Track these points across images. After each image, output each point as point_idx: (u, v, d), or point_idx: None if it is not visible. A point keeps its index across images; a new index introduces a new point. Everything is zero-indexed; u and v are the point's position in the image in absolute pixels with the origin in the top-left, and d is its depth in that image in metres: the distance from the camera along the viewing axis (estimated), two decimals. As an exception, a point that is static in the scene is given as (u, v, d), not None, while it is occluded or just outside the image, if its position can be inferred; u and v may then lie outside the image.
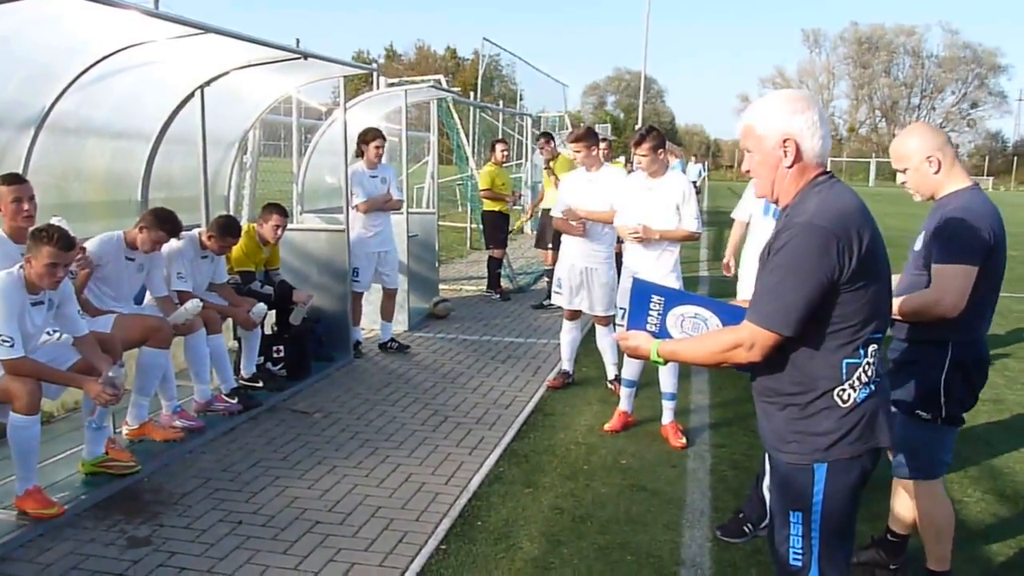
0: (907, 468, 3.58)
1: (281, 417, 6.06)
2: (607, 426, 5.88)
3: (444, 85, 15.10)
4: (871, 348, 2.40)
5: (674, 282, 5.51)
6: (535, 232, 12.28)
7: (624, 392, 5.93)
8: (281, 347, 6.84)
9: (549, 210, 10.19)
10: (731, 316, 2.57)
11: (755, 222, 6.24)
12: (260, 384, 6.47)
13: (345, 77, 7.64)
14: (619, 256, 6.26)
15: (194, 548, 4.06)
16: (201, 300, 5.64)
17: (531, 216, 11.00)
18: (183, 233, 5.60)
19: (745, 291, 6.25)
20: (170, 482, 4.85)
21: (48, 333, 4.61)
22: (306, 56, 6.38)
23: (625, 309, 2.90)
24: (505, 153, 11.43)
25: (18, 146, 5.53)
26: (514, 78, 24.67)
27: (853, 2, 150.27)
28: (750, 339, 2.39)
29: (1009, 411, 6.38)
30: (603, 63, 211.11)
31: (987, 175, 69.07)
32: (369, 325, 8.50)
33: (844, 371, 2.38)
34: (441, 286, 10.78)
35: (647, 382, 6.07)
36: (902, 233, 18.80)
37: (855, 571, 3.89)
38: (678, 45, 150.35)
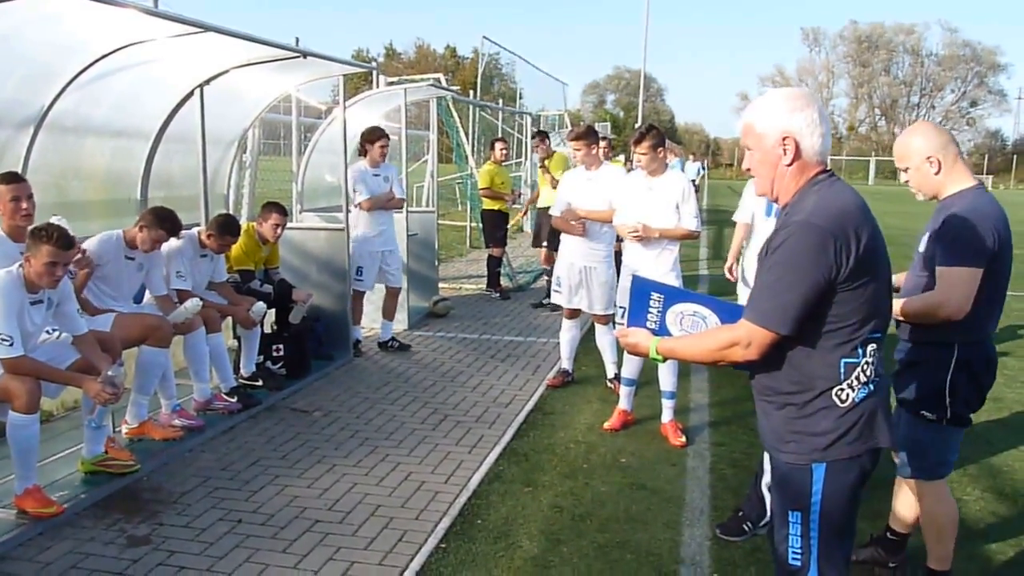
0: (912, 468, 3.57)
1: (280, 416, 6.06)
2: (607, 424, 5.88)
3: (444, 84, 15.07)
4: (870, 347, 2.39)
5: (673, 280, 5.51)
6: (533, 231, 12.29)
7: (624, 391, 5.93)
8: (281, 346, 6.84)
9: (545, 208, 10.22)
10: (730, 314, 2.57)
11: (758, 223, 6.25)
12: (259, 383, 6.47)
13: (345, 76, 7.63)
14: (618, 255, 6.26)
15: (193, 547, 4.06)
16: (200, 299, 5.64)
17: (525, 214, 11.00)
18: (182, 232, 5.60)
19: (746, 294, 6.26)
20: (169, 481, 4.85)
21: (47, 332, 4.62)
22: (305, 55, 6.38)
23: (625, 307, 2.90)
24: (504, 152, 11.43)
25: (17, 145, 5.53)
26: (514, 77, 24.68)
27: (852, 1, 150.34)
28: (747, 337, 2.39)
29: (1008, 409, 6.38)
30: (603, 62, 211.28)
31: (986, 174, 69.00)
32: (369, 324, 8.50)
33: (842, 370, 2.38)
34: (441, 285, 10.78)
35: (647, 381, 6.07)
36: (902, 232, 18.80)
37: (854, 569, 3.89)
38: (678, 43, 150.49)
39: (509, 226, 10.91)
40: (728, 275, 6.59)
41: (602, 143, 9.95)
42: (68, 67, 5.53)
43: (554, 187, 9.97)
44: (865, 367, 2.39)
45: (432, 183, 12.20)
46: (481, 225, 11.70)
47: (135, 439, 5.28)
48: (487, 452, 5.38)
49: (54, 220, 4.34)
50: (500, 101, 20.40)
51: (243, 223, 6.66)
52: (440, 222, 12.27)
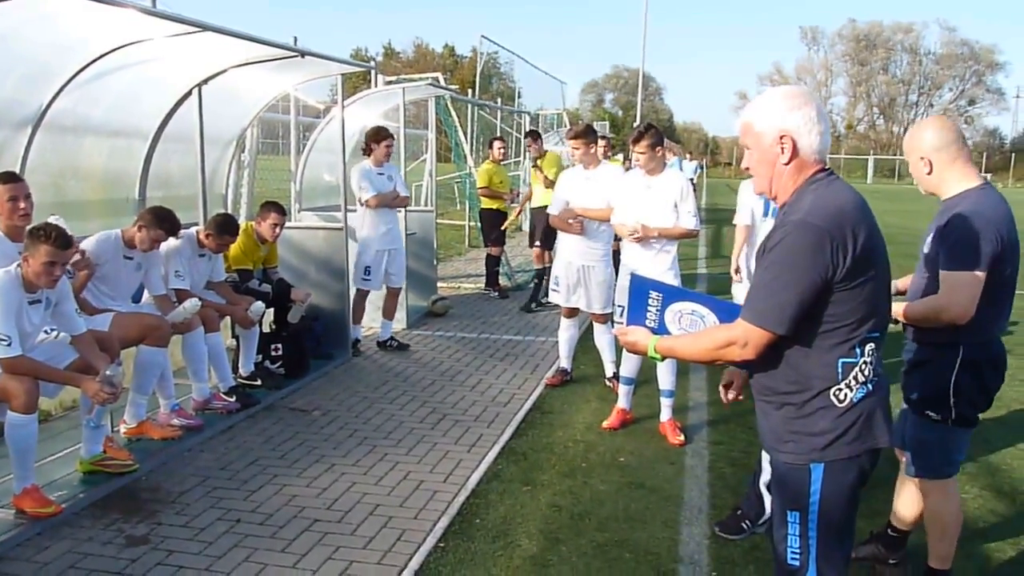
0: (918, 467, 3.57)
1: (279, 415, 6.06)
2: (605, 423, 5.88)
3: (442, 83, 15.07)
4: (868, 347, 2.39)
5: (672, 279, 5.51)
6: (529, 230, 12.28)
7: (622, 389, 5.93)
8: (279, 345, 6.84)
9: (538, 208, 10.21)
10: (728, 313, 2.56)
11: (757, 223, 6.26)
12: (258, 382, 6.47)
13: (343, 75, 7.63)
14: (616, 254, 6.26)
15: (192, 546, 4.06)
16: (199, 299, 5.64)
17: (519, 214, 10.99)
18: (181, 231, 5.60)
19: (743, 293, 6.26)
20: (168, 481, 4.85)
21: (46, 332, 4.61)
22: (304, 54, 6.37)
23: (623, 307, 2.90)
24: (503, 151, 11.43)
25: (15, 144, 5.52)
26: (512, 76, 24.68)
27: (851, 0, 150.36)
28: (744, 337, 2.39)
29: (1006, 407, 6.38)
30: (601, 61, 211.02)
31: (985, 172, 68.86)
32: (368, 323, 8.50)
33: (840, 370, 2.38)
34: (439, 284, 10.78)
35: (645, 379, 6.08)
36: (900, 230, 18.77)
37: (854, 566, 3.89)
38: (676, 42, 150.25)
39: (504, 226, 10.89)
40: (734, 276, 6.56)
41: (601, 142, 9.97)
42: (66, 67, 5.53)
43: (547, 186, 9.99)
44: (863, 367, 2.39)
45: (431, 182, 12.21)
46: (480, 224, 11.70)
47: (133, 439, 5.28)
48: (486, 451, 5.38)
49: (52, 220, 4.34)
50: (499, 100, 20.38)
51: (241, 222, 6.66)
52: (439, 221, 12.26)
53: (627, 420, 5.92)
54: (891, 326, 3.44)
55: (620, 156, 14.74)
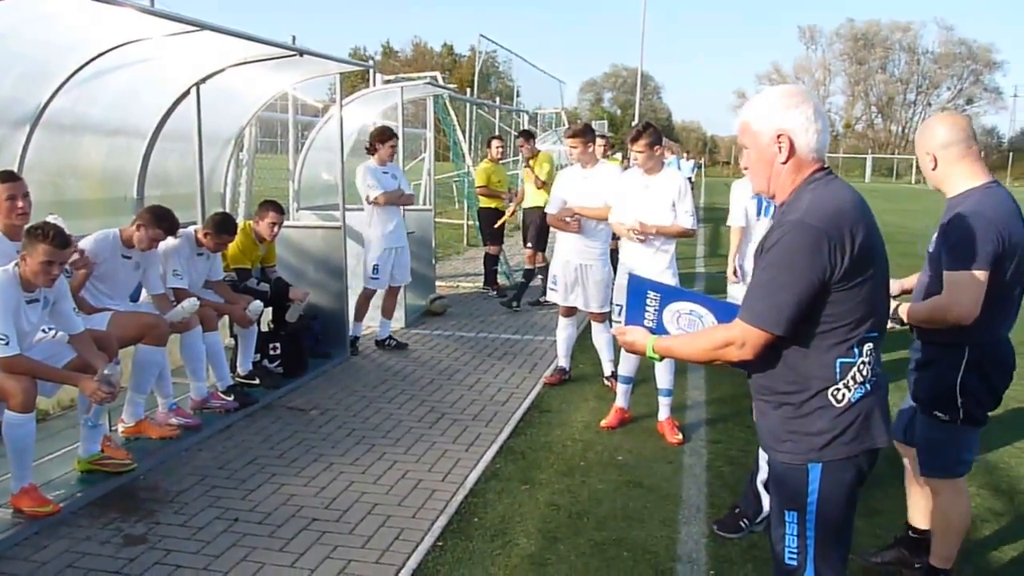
0: (929, 466, 3.56)
1: (278, 414, 6.06)
2: (603, 422, 5.88)
3: (441, 82, 15.06)
4: (866, 347, 2.39)
5: (670, 279, 5.51)
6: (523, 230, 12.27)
7: (620, 388, 5.93)
8: (277, 344, 6.83)
9: (530, 208, 10.20)
10: (726, 313, 2.56)
11: (751, 224, 6.28)
12: (257, 381, 6.47)
13: (341, 74, 7.64)
14: (615, 253, 6.27)
15: (190, 546, 4.06)
16: (197, 298, 5.63)
17: (512, 214, 10.98)
18: (179, 231, 5.59)
19: (740, 292, 6.27)
20: (166, 480, 4.85)
21: (43, 331, 4.61)
22: (302, 53, 6.37)
23: (622, 306, 2.90)
24: (501, 150, 11.42)
25: (13, 143, 5.52)
26: (511, 74, 24.71)
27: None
28: (741, 337, 2.39)
29: (1004, 405, 6.32)
30: (600, 59, 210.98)
31: (982, 171, 68.88)
32: (367, 322, 8.50)
33: (838, 370, 2.38)
34: (438, 283, 10.78)
35: (643, 378, 6.08)
36: (898, 229, 18.74)
37: (880, 572, 3.89)
38: (675, 42, 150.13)
39: (497, 224, 10.89)
40: (732, 277, 6.57)
41: (600, 141, 9.96)
42: (65, 65, 5.52)
43: (539, 187, 9.99)
44: (861, 367, 2.38)
45: (429, 181, 12.20)
46: (478, 223, 11.70)
47: (132, 438, 5.28)
48: (484, 450, 5.39)
49: (50, 219, 4.33)
50: (497, 99, 20.38)
51: (240, 221, 6.65)
52: (437, 220, 12.26)
53: (625, 419, 5.93)
54: (898, 326, 3.44)
55: (619, 155, 14.73)
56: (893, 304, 3.48)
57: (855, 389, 2.39)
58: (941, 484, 3.57)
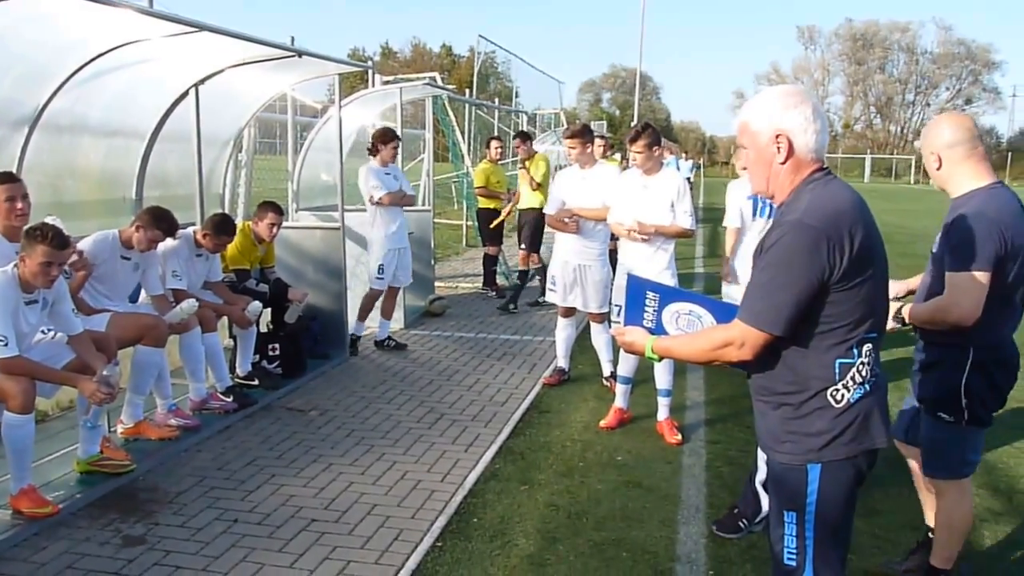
0: (933, 467, 3.55)
1: (277, 415, 6.06)
2: (603, 423, 5.89)
3: (439, 82, 15.07)
4: (865, 348, 2.39)
5: (669, 279, 5.51)
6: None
7: (619, 389, 5.94)
8: (277, 345, 6.84)
9: (525, 209, 10.19)
10: (725, 314, 2.57)
11: (747, 225, 6.29)
12: (256, 382, 6.47)
13: (340, 75, 7.63)
14: (613, 253, 6.27)
15: (189, 547, 4.06)
16: (196, 299, 5.63)
17: (508, 215, 10.97)
18: (178, 232, 5.59)
19: (735, 292, 6.29)
20: (165, 481, 4.85)
21: (42, 332, 4.61)
22: (301, 54, 6.37)
23: (621, 306, 2.91)
24: (500, 150, 11.43)
25: (12, 144, 5.51)
26: (510, 75, 24.74)
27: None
28: (740, 338, 2.39)
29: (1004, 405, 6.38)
30: (599, 60, 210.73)
31: (981, 172, 68.87)
32: (366, 323, 8.50)
33: (837, 371, 2.38)
34: (437, 283, 10.78)
35: (642, 379, 6.08)
36: (897, 229, 18.73)
37: (882, 574, 3.88)
38: (673, 42, 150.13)
39: (493, 224, 10.88)
40: (725, 279, 6.58)
41: (600, 142, 9.95)
42: (63, 66, 5.52)
43: (534, 189, 9.98)
44: (861, 367, 2.38)
45: (428, 182, 12.20)
46: (477, 224, 11.70)
47: (131, 439, 5.28)
48: (483, 451, 5.39)
49: (48, 220, 4.33)
50: (496, 100, 20.41)
51: (239, 222, 6.65)
52: (436, 221, 12.27)
53: (624, 419, 5.93)
54: (899, 326, 3.43)
55: (618, 156, 14.74)
56: (897, 305, 3.48)
57: (854, 390, 2.39)
58: (945, 485, 3.56)
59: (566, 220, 6.35)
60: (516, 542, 4.18)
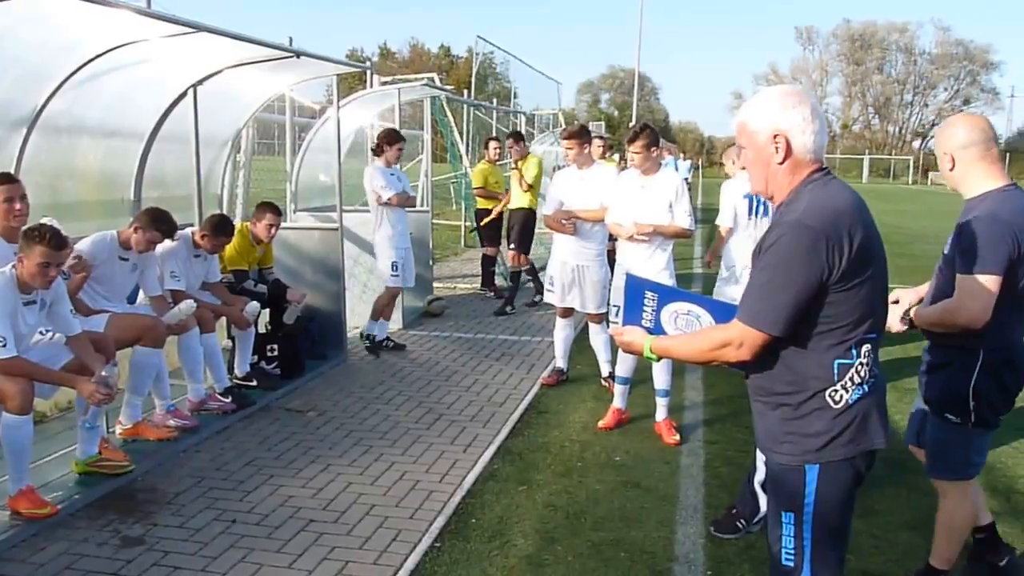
0: (938, 468, 3.54)
1: (275, 416, 6.06)
2: (601, 423, 5.89)
3: (438, 83, 15.06)
4: (864, 348, 2.39)
5: (667, 280, 5.52)
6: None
7: (618, 389, 5.94)
8: (275, 346, 6.83)
9: (516, 210, 10.17)
10: (724, 314, 2.57)
11: (742, 224, 6.30)
12: (254, 383, 6.46)
13: (338, 75, 7.63)
14: (611, 254, 6.28)
15: (188, 547, 4.06)
16: (195, 299, 5.63)
17: (497, 214, 10.95)
18: (177, 233, 5.59)
19: (728, 292, 6.30)
20: (164, 481, 4.84)
21: (41, 332, 4.61)
22: (299, 55, 6.37)
23: (619, 307, 2.91)
24: (498, 151, 11.43)
25: (10, 145, 5.51)
26: (508, 76, 24.72)
27: (846, 0, 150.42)
28: (739, 338, 2.39)
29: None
30: (597, 61, 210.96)
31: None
32: (363, 323, 8.50)
33: (836, 372, 2.38)
34: (435, 284, 10.78)
35: (641, 379, 6.08)
36: (894, 230, 18.72)
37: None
38: (672, 42, 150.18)
39: (483, 223, 10.87)
40: (708, 261, 6.60)
41: (598, 142, 9.93)
42: (61, 67, 5.52)
43: (525, 190, 9.97)
44: (859, 368, 2.38)
45: (426, 182, 12.20)
46: (475, 224, 11.69)
47: (129, 439, 5.28)
48: (482, 451, 5.39)
49: (45, 221, 4.34)
50: (494, 100, 20.39)
51: (237, 223, 6.65)
52: (434, 221, 12.26)
53: (623, 420, 5.93)
54: (905, 327, 3.41)
55: (616, 156, 14.73)
56: (905, 307, 3.46)
57: (853, 390, 2.39)
58: (949, 486, 3.55)
59: (564, 221, 6.35)
60: (514, 542, 4.19)
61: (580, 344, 7.27)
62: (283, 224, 7.05)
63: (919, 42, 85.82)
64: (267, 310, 6.90)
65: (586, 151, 6.43)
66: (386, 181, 7.68)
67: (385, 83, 11.86)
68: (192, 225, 6.33)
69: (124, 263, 5.36)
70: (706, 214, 23.82)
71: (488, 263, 11.12)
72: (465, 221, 15.65)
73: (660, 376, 5.73)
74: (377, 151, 7.83)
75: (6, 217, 4.54)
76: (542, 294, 9.98)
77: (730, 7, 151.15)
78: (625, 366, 5.82)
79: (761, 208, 6.41)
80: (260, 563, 3.92)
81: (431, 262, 10.35)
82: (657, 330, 2.71)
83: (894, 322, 3.46)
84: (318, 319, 7.51)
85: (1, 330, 4.07)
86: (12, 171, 5.29)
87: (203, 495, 4.67)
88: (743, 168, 2.60)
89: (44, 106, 5.58)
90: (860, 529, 4.03)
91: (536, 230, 10.71)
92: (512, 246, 10.17)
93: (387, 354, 7.86)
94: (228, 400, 5.96)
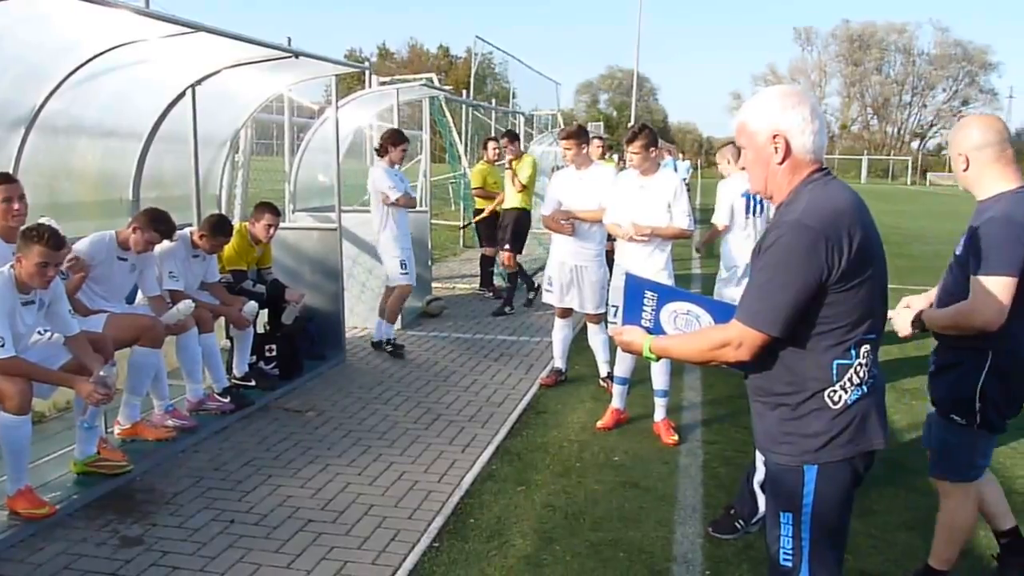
0: (940, 469, 3.52)
1: (273, 416, 6.05)
2: (599, 423, 5.89)
3: (436, 83, 15.08)
4: (863, 349, 2.39)
5: (666, 280, 5.51)
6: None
7: (616, 389, 5.94)
8: (273, 346, 6.83)
9: (508, 210, 10.16)
10: (723, 314, 2.56)
11: (739, 222, 6.31)
12: (252, 383, 6.46)
13: (337, 76, 7.63)
14: (610, 254, 6.28)
15: (186, 547, 4.06)
16: (193, 300, 5.63)
17: (490, 213, 10.93)
18: (175, 233, 5.59)
19: (729, 293, 6.31)
20: (162, 481, 4.84)
21: (39, 333, 4.60)
22: (298, 55, 6.37)
23: (617, 307, 2.91)
24: (497, 151, 11.43)
25: (8, 145, 5.51)
26: (507, 76, 24.74)
27: (844, 0, 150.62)
28: (738, 338, 2.39)
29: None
30: (596, 61, 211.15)
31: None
32: (362, 323, 8.50)
33: (835, 372, 2.37)
34: (434, 284, 10.78)
35: (639, 379, 6.08)
36: (893, 230, 18.72)
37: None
38: (671, 43, 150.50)
39: (476, 220, 10.85)
40: (696, 250, 6.60)
41: (597, 143, 9.92)
42: (59, 67, 5.52)
43: (519, 190, 9.96)
44: (858, 368, 2.38)
45: (425, 183, 12.21)
46: (474, 225, 11.69)
47: (128, 440, 5.28)
48: (480, 451, 5.39)
49: (42, 221, 4.34)
50: (493, 101, 20.40)
51: (235, 223, 6.65)
52: (433, 222, 12.26)
53: (621, 420, 5.93)
54: (920, 331, 3.39)
55: (615, 157, 14.74)
56: (916, 312, 3.44)
57: (852, 391, 2.39)
58: (951, 487, 3.53)
59: (562, 221, 6.35)
60: (513, 542, 4.19)
61: (579, 344, 7.27)
62: (282, 224, 7.05)
63: (918, 43, 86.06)
64: (266, 310, 6.89)
65: (584, 151, 6.43)
66: (393, 182, 7.69)
67: (384, 83, 11.87)
68: (190, 225, 6.33)
69: (122, 263, 5.36)
70: (705, 214, 23.77)
71: (487, 263, 11.12)
72: (464, 221, 15.65)
73: (658, 376, 5.73)
74: (381, 151, 7.83)
75: (4, 217, 4.54)
76: (536, 291, 10.00)
77: (729, 8, 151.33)
78: (624, 366, 5.82)
79: (757, 207, 6.42)
80: (258, 563, 3.92)
81: (430, 262, 10.35)
82: (656, 330, 2.71)
83: (904, 326, 3.45)
84: (317, 319, 7.51)
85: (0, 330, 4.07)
86: (10, 171, 5.28)
87: (201, 495, 4.67)
88: (742, 168, 2.59)
89: (42, 106, 5.58)
90: (858, 529, 4.03)
91: (533, 230, 10.69)
92: (507, 247, 10.15)
93: (385, 354, 7.85)
94: (226, 400, 5.96)
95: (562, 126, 19.52)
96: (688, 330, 2.65)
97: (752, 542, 4.17)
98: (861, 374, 2.39)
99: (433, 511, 4.50)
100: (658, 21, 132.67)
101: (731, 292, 6.48)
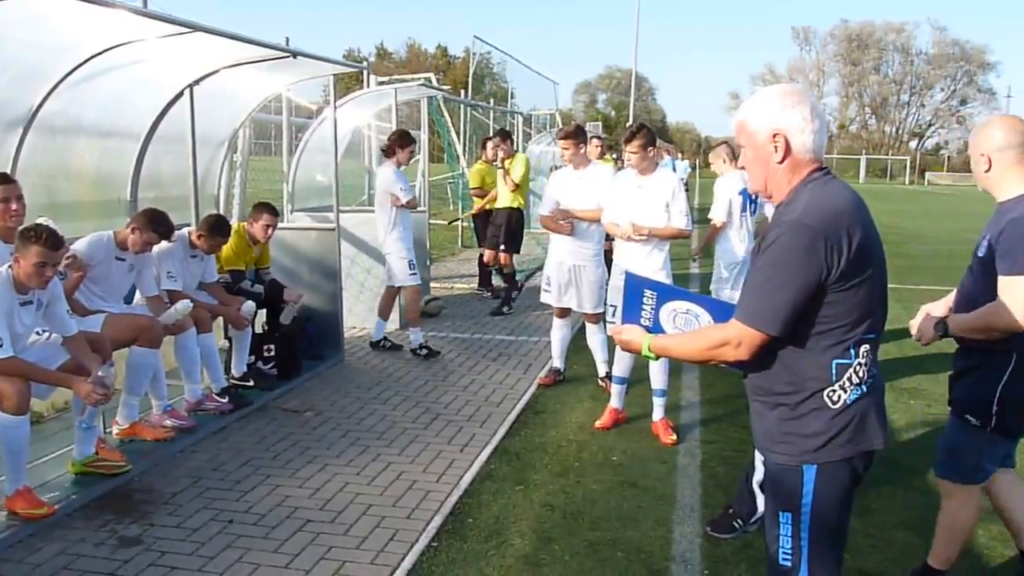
0: (946, 468, 3.50)
1: (272, 416, 6.05)
2: (598, 423, 5.89)
3: (435, 83, 15.06)
4: (863, 348, 2.39)
5: (664, 279, 5.51)
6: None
7: (615, 389, 5.94)
8: (272, 346, 6.82)
9: (501, 209, 10.16)
10: (723, 313, 2.56)
11: (736, 220, 6.31)
12: (251, 383, 6.46)
13: (335, 76, 7.62)
14: (608, 254, 6.28)
15: (185, 547, 4.06)
16: (191, 300, 5.63)
17: (478, 212, 10.88)
18: (174, 233, 5.59)
19: (723, 292, 6.30)
20: (161, 481, 4.84)
21: (37, 333, 4.60)
22: (296, 55, 6.37)
23: (616, 306, 2.91)
24: (495, 151, 11.42)
25: (6, 145, 5.51)
26: (505, 76, 24.71)
27: (843, 0, 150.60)
28: (737, 337, 2.39)
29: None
30: (594, 61, 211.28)
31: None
32: (360, 323, 8.50)
33: (834, 372, 2.37)
34: (432, 284, 10.77)
35: (638, 379, 6.08)
36: (891, 230, 18.72)
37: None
38: (669, 43, 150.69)
39: (466, 215, 10.83)
40: (694, 255, 6.62)
41: (596, 142, 9.91)
42: (58, 67, 5.51)
43: (512, 189, 9.96)
44: (858, 368, 2.38)
45: (423, 183, 12.21)
46: (472, 224, 11.69)
47: (126, 440, 5.27)
48: (479, 451, 5.39)
49: (40, 221, 4.33)
50: (491, 100, 20.40)
51: (234, 223, 6.65)
52: (431, 222, 12.25)
53: (619, 419, 5.93)
54: (944, 336, 3.37)
55: (613, 156, 14.73)
56: (937, 318, 3.42)
57: (851, 391, 2.39)
58: (954, 488, 3.51)
59: (560, 221, 6.35)
60: (512, 542, 4.18)
61: (577, 344, 7.27)
62: (280, 224, 7.04)
63: (916, 42, 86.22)
64: (264, 310, 6.88)
65: (582, 151, 6.42)
66: (404, 184, 7.70)
67: (382, 83, 11.87)
68: (188, 225, 6.32)
69: (120, 263, 5.35)
70: (703, 214, 23.82)
71: (485, 263, 11.11)
72: (462, 222, 15.64)
73: (657, 376, 5.73)
74: (388, 152, 7.82)
75: (2, 217, 4.54)
76: (519, 291, 9.99)
77: (727, 7, 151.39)
78: (622, 366, 5.82)
79: (751, 205, 6.43)
80: (257, 563, 3.92)
81: (428, 262, 10.35)
82: (656, 329, 2.71)
83: (927, 332, 3.42)
84: (315, 319, 7.51)
85: (-2, 330, 4.06)
86: (8, 171, 5.28)
87: (200, 495, 4.67)
88: (742, 168, 2.59)
89: (40, 106, 5.57)
90: (857, 528, 4.04)
91: (531, 230, 10.69)
92: (502, 247, 10.15)
93: (384, 354, 7.85)
94: (225, 400, 5.96)
95: (560, 126, 19.54)
96: (687, 329, 2.65)
97: (750, 541, 4.17)
98: (860, 374, 2.39)
99: (431, 511, 4.50)
100: (656, 21, 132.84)
101: (729, 292, 6.50)
